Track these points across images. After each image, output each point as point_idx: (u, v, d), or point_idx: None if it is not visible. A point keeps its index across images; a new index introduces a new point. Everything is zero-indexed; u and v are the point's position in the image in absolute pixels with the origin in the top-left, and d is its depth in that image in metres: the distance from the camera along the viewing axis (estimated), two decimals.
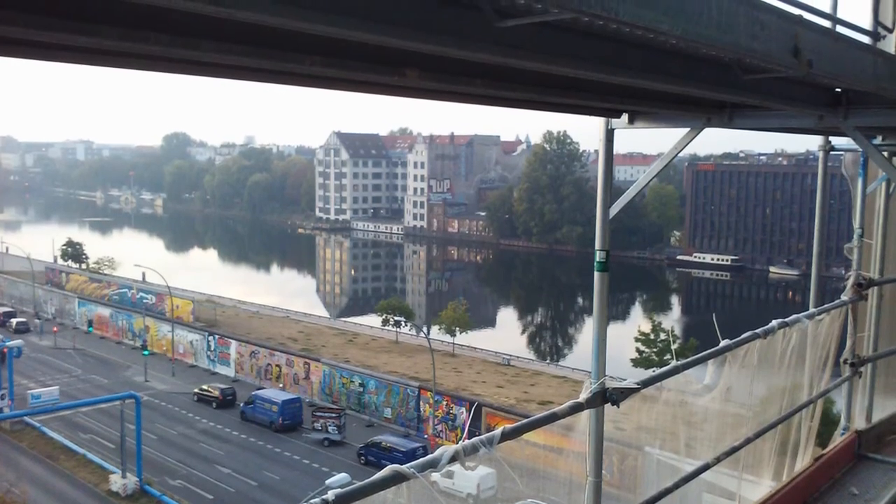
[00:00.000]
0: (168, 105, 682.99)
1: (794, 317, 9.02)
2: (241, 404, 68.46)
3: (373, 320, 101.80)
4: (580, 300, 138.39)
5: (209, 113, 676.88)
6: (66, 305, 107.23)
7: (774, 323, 8.61)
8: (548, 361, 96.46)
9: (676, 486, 7.25)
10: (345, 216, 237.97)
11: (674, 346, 68.81)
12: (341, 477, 47.73)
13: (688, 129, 7.68)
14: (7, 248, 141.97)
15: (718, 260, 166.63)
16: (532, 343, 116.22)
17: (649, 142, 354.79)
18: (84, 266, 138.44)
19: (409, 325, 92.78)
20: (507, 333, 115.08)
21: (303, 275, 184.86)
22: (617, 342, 76.21)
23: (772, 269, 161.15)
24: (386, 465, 4.61)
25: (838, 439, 10.88)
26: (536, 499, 6.79)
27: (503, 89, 5.26)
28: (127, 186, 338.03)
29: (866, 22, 8.53)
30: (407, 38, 3.56)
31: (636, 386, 6.47)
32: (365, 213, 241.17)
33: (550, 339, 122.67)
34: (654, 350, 76.71)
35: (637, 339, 79.56)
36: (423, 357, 77.54)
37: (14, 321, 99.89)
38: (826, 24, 6.52)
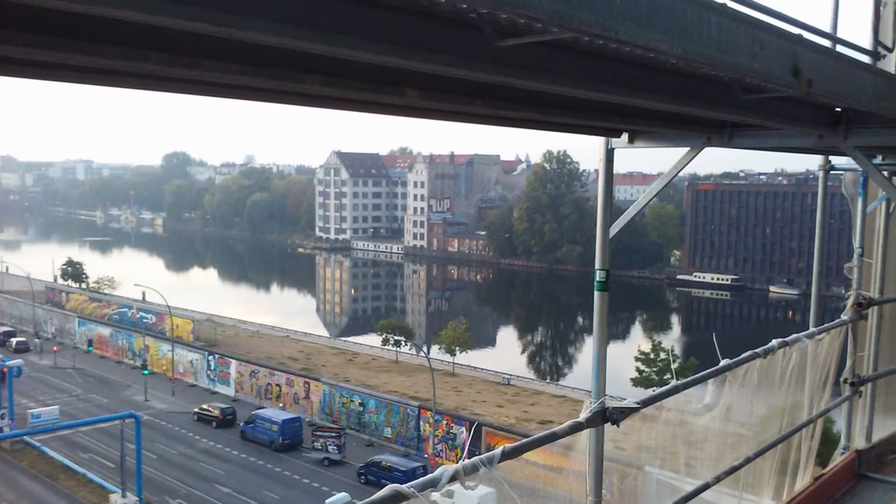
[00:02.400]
0: (168, 124, 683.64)
1: (794, 336, 9.00)
2: (242, 424, 68.39)
3: (373, 339, 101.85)
4: (580, 319, 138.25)
5: (209, 132, 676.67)
6: (66, 325, 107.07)
7: (774, 342, 8.59)
8: (548, 381, 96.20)
9: None
10: (345, 235, 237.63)
11: (674, 366, 68.48)
12: (341, 496, 47.76)
13: (688, 149, 7.68)
14: (7, 268, 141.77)
15: (718, 279, 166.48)
16: (532, 362, 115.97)
17: (649, 161, 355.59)
18: (84, 285, 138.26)
19: (408, 344, 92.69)
20: (507, 353, 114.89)
21: (303, 294, 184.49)
22: (617, 361, 76.07)
23: (772, 288, 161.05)
24: (386, 485, 4.58)
25: (838, 459, 10.84)
26: None
27: (503, 109, 5.26)
28: (127, 206, 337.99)
29: (866, 41, 8.56)
30: (407, 58, 3.56)
31: (636, 405, 6.45)
32: (365, 232, 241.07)
33: (550, 359, 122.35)
34: (654, 369, 76.66)
35: (637, 359, 79.56)
36: (423, 376, 77.45)
37: (14, 340, 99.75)
38: (826, 43, 6.52)
